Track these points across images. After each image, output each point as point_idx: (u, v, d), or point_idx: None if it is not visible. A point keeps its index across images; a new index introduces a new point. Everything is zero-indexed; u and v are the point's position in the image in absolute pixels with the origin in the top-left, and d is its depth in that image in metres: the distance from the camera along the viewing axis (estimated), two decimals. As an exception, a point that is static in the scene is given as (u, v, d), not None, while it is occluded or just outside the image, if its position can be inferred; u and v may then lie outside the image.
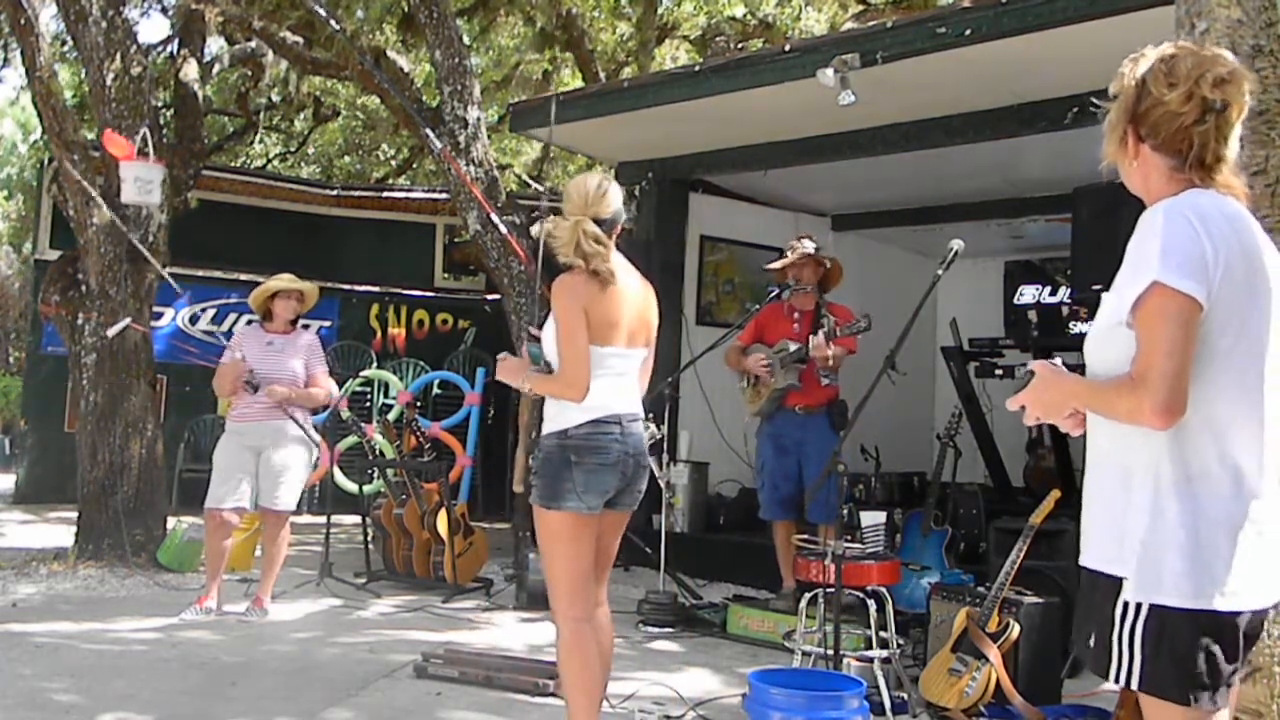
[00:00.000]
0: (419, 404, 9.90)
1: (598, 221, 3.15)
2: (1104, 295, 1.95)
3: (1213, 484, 1.81)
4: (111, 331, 6.76)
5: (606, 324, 3.14)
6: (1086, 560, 1.94)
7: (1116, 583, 1.84)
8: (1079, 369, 2.01)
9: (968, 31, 5.11)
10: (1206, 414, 1.81)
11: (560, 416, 3.14)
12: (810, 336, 5.39)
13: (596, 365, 3.12)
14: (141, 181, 6.81)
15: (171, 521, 7.08)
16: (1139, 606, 1.81)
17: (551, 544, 3.17)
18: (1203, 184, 1.90)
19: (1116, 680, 1.84)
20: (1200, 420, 1.80)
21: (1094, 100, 2.04)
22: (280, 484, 5.47)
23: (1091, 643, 1.89)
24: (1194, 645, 1.78)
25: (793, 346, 5.51)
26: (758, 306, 5.98)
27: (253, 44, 11.50)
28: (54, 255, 9.16)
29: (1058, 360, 2.02)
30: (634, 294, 3.24)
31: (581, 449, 3.09)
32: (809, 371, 5.53)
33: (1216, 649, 1.79)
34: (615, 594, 5.33)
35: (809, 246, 5.64)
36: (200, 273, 10.51)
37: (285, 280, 5.68)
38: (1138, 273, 1.81)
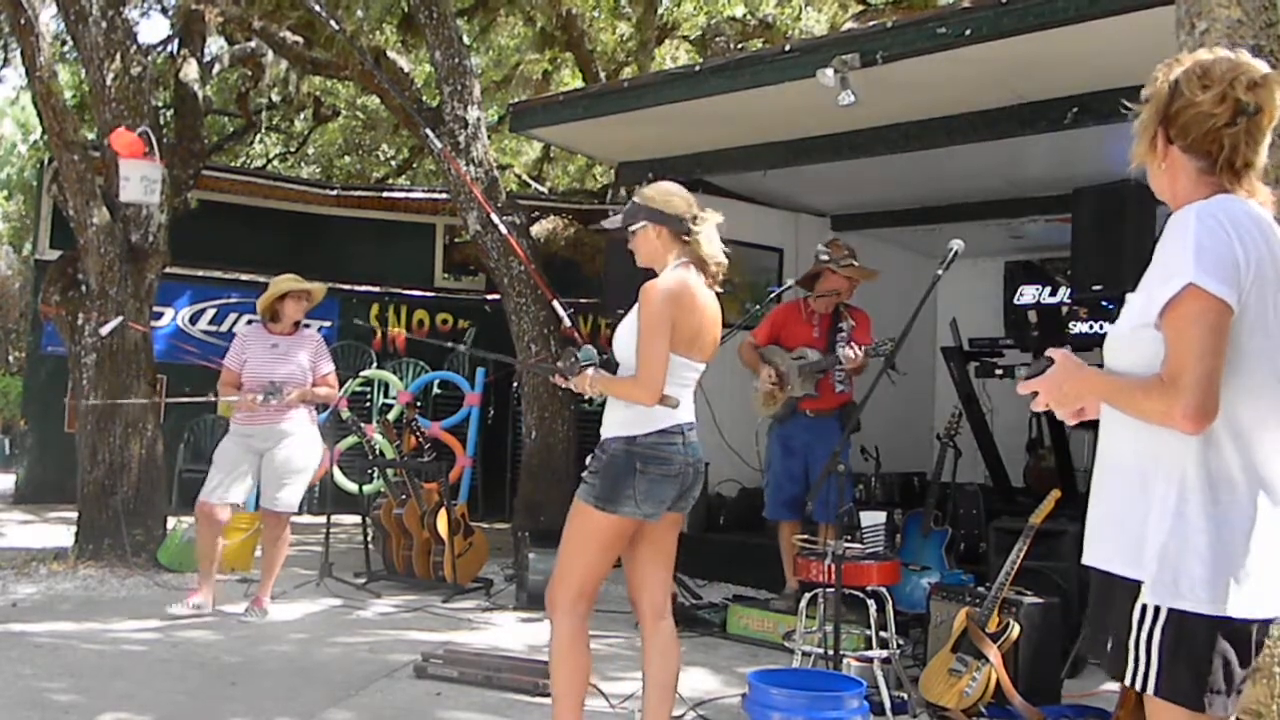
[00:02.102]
0: (419, 404, 9.90)
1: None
2: (1129, 295, 1.93)
3: (1235, 490, 1.80)
4: (105, 330, 6.75)
5: (689, 335, 3.16)
6: (1098, 560, 1.93)
7: (1134, 586, 1.83)
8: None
9: (968, 31, 5.11)
10: (1231, 418, 1.80)
11: (631, 423, 3.12)
12: (844, 349, 5.28)
13: (671, 375, 3.13)
14: (148, 181, 6.85)
15: (171, 521, 7.08)
16: (1157, 610, 1.80)
17: (584, 543, 3.14)
18: (1231, 189, 1.89)
19: (1132, 684, 1.83)
20: (1224, 424, 1.79)
21: (1125, 102, 2.03)
22: (283, 485, 5.47)
23: (1110, 647, 1.88)
24: (1211, 651, 1.78)
25: (812, 355, 5.49)
26: (758, 306, 5.98)
27: (253, 44, 11.51)
28: (54, 255, 9.16)
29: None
30: (709, 306, 3.27)
31: (648, 458, 3.09)
32: (825, 379, 5.52)
33: (1232, 655, 1.79)
34: (615, 594, 5.34)
35: (823, 255, 5.64)
36: (200, 273, 10.52)
37: (294, 281, 5.67)
38: (1169, 275, 1.79)
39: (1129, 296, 1.93)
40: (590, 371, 3.21)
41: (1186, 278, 1.76)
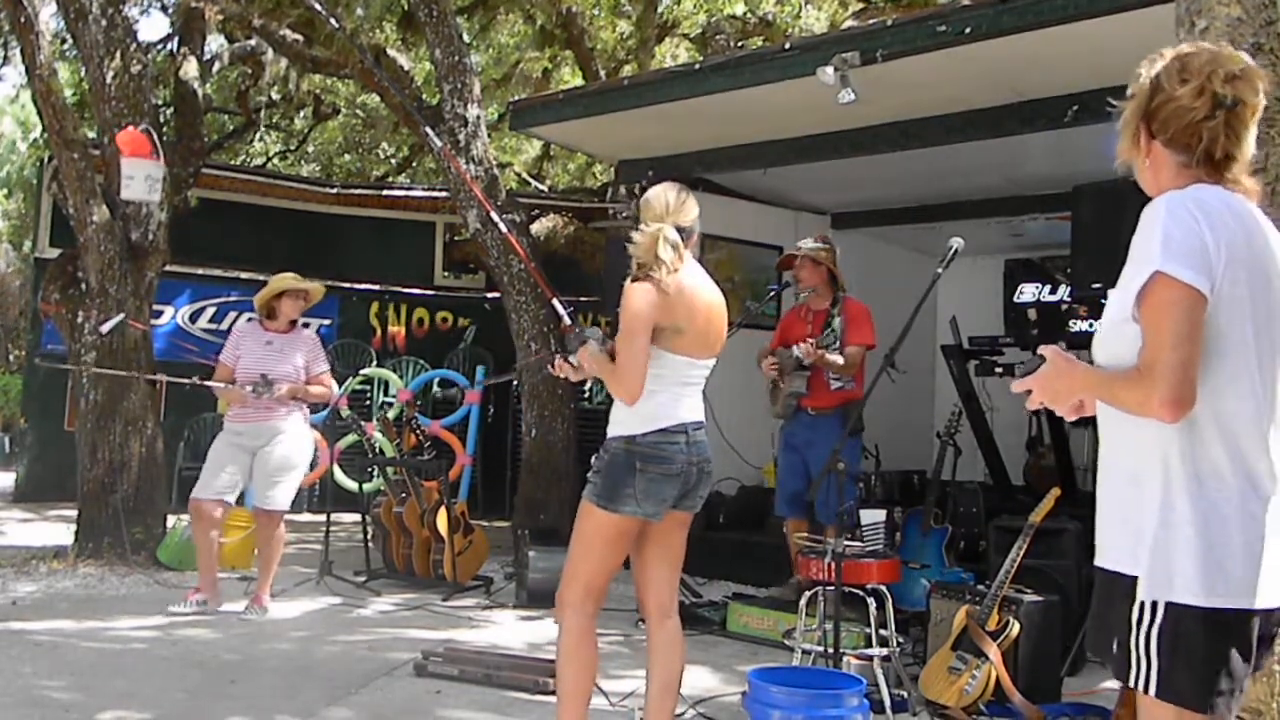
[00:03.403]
0: (419, 402, 9.90)
1: (677, 230, 3.18)
2: (1110, 292, 1.94)
3: (1223, 480, 1.79)
4: (104, 328, 6.75)
5: (680, 332, 3.14)
6: (1103, 561, 1.92)
7: (1131, 583, 1.83)
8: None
9: (968, 29, 5.11)
10: (1216, 409, 1.79)
11: (630, 422, 3.13)
12: (798, 344, 5.40)
13: (673, 374, 3.12)
14: (151, 180, 6.86)
15: (171, 519, 7.08)
16: (1154, 607, 1.79)
17: (590, 542, 3.16)
18: (1211, 181, 1.89)
19: (1135, 686, 1.82)
20: (1210, 416, 1.79)
21: (1110, 100, 2.04)
22: (275, 484, 5.46)
23: (1115, 648, 1.87)
24: (1210, 648, 1.77)
25: (795, 352, 5.51)
26: (757, 304, 5.99)
27: (252, 42, 11.51)
28: (54, 253, 9.16)
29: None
30: (710, 304, 3.24)
31: (647, 457, 3.09)
32: (817, 376, 5.52)
33: (1232, 651, 1.78)
34: (615, 593, 5.32)
35: (804, 245, 5.63)
36: (200, 271, 10.52)
37: (292, 280, 5.66)
38: (1140, 265, 1.80)
39: (1110, 293, 1.94)
40: (593, 345, 3.20)
41: (1154, 266, 1.76)
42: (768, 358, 5.69)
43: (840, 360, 5.40)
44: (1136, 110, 1.96)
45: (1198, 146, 1.89)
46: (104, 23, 6.98)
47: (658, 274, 3.09)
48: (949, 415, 5.95)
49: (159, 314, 9.58)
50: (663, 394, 3.13)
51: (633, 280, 3.13)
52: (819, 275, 5.59)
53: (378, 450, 7.71)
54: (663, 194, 3.23)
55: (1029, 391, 1.99)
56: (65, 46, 10.90)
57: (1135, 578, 1.82)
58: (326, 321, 10.68)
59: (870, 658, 4.05)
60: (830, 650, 3.90)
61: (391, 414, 8.67)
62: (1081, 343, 2.02)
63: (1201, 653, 1.77)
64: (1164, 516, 1.80)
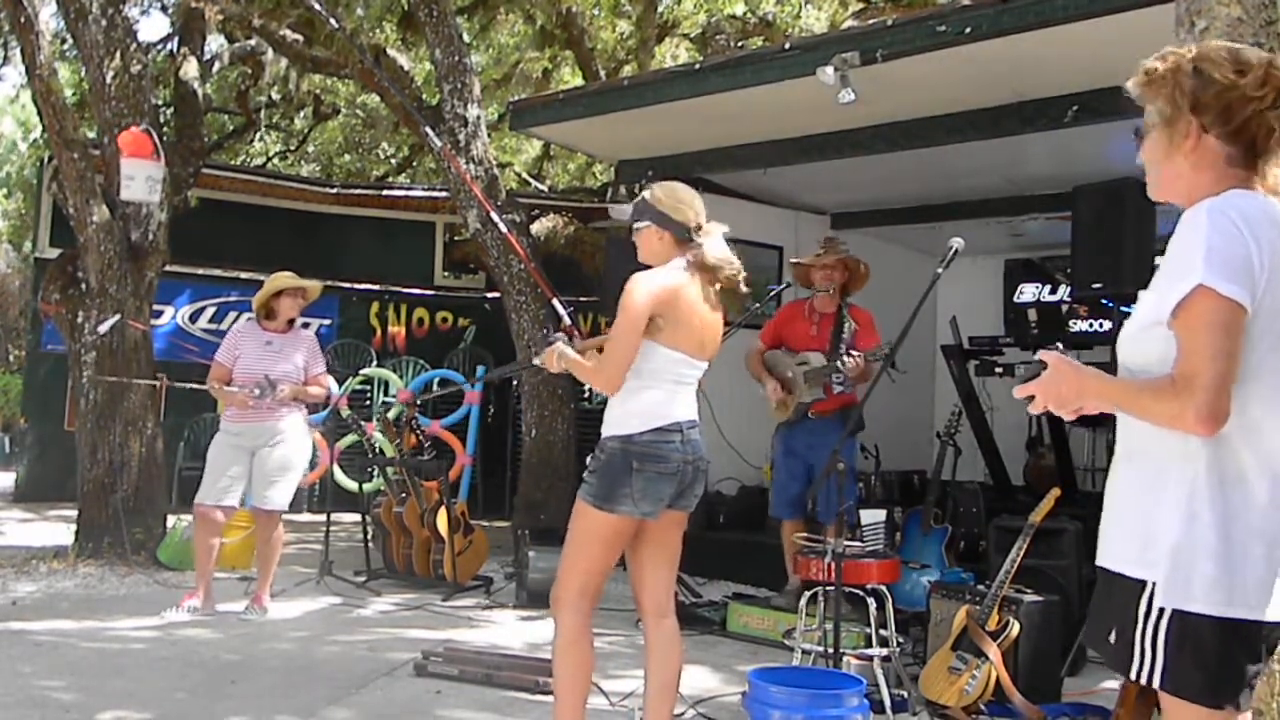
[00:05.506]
0: (419, 402, 9.90)
1: (683, 226, 3.24)
2: (1141, 293, 1.90)
3: (1248, 489, 1.78)
4: (102, 328, 6.75)
5: (680, 330, 3.15)
6: (1106, 561, 1.91)
7: (1139, 585, 1.81)
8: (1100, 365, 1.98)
9: (968, 29, 5.11)
10: (1244, 418, 1.76)
11: (625, 421, 3.14)
12: (845, 357, 5.29)
13: (666, 370, 3.14)
14: (152, 180, 6.87)
15: (171, 519, 7.08)
16: (1162, 609, 1.78)
17: (586, 541, 3.15)
18: (1263, 174, 1.85)
19: (1138, 678, 1.82)
20: (1238, 424, 1.75)
21: (1127, 87, 1.99)
22: (273, 484, 5.45)
23: (1112, 638, 1.86)
24: (1217, 649, 1.76)
25: (815, 360, 5.48)
26: (757, 304, 5.98)
27: (252, 42, 11.52)
28: (54, 253, 9.17)
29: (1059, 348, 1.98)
30: (705, 309, 3.25)
31: (644, 456, 3.09)
32: (826, 382, 5.51)
33: (1239, 653, 1.77)
34: (615, 593, 5.33)
35: (841, 247, 5.63)
36: (200, 271, 10.53)
37: (290, 279, 5.66)
38: (1180, 274, 1.76)
39: (1141, 294, 1.90)
40: (560, 346, 3.23)
41: (1197, 278, 1.72)
42: (770, 379, 5.60)
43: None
44: (1183, 103, 1.87)
45: (1265, 137, 1.84)
46: (104, 23, 6.99)
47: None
48: (949, 415, 5.95)
49: (159, 314, 9.59)
50: (657, 391, 3.13)
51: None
52: (842, 277, 5.61)
53: (378, 450, 7.71)
54: (689, 201, 3.35)
55: (1031, 396, 1.97)
56: (65, 46, 10.91)
57: (1142, 581, 1.81)
58: (326, 321, 10.69)
59: (870, 658, 4.05)
60: (830, 650, 3.90)
61: (391, 414, 8.68)
62: (1081, 342, 2.00)
63: (1209, 653, 1.77)
64: (1186, 524, 1.78)
